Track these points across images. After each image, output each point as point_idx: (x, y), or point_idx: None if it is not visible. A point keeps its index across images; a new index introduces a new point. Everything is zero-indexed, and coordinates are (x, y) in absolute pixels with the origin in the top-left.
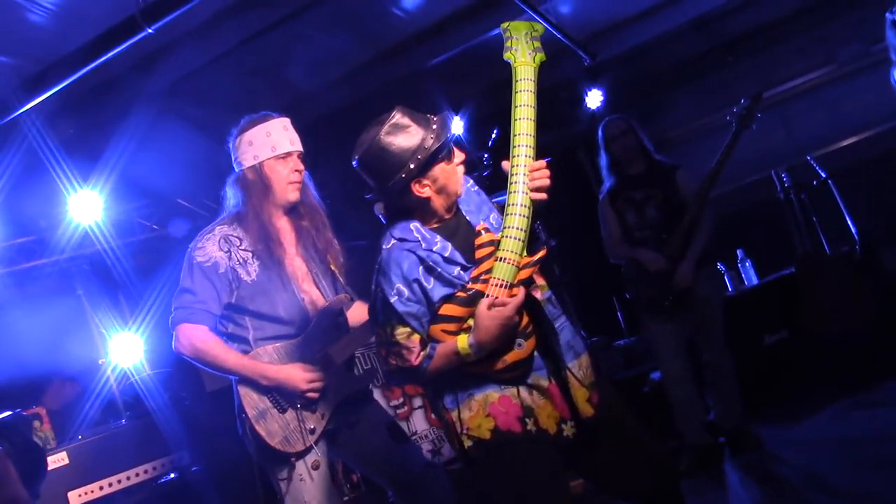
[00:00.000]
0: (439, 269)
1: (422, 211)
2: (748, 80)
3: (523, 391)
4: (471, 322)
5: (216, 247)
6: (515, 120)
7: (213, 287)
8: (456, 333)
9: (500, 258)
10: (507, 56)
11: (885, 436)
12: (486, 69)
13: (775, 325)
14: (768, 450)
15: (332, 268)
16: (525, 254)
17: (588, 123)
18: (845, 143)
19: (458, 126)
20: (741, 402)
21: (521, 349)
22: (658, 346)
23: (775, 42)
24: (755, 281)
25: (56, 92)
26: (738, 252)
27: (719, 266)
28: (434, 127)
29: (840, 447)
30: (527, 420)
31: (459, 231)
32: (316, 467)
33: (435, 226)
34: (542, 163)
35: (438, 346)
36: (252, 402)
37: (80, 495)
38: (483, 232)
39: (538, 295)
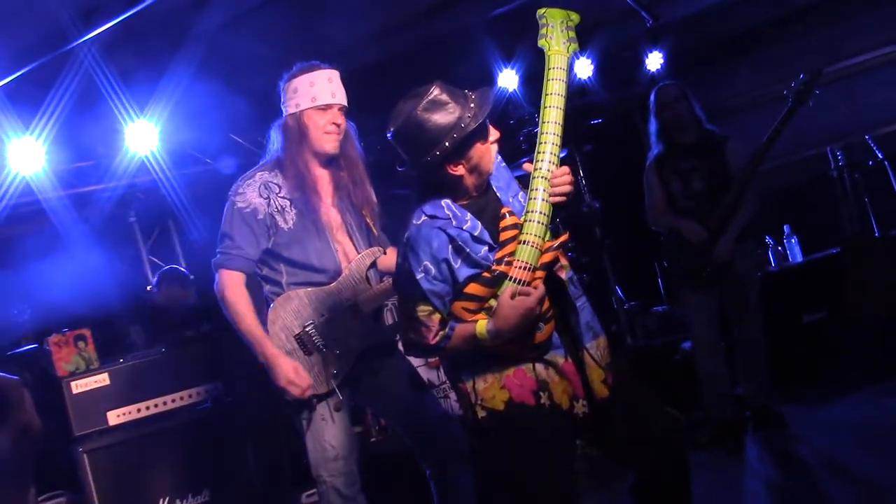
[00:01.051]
0: (468, 250)
1: (453, 188)
2: (815, 52)
3: (539, 366)
4: (492, 302)
5: (256, 193)
6: (545, 108)
7: (252, 233)
8: (476, 312)
9: (524, 241)
10: (541, 43)
11: None
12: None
13: (816, 304)
14: (792, 429)
15: (368, 220)
16: (548, 237)
17: (646, 86)
18: None
19: (512, 80)
20: (769, 379)
21: (541, 332)
22: (691, 316)
23: (847, 15)
24: (800, 258)
25: (112, 25)
26: (785, 228)
27: (767, 240)
28: (472, 105)
29: (865, 434)
30: (541, 394)
31: (488, 209)
32: (338, 409)
33: (465, 202)
34: (566, 168)
35: (457, 326)
36: (280, 342)
37: (118, 415)
38: (507, 215)
39: (562, 275)
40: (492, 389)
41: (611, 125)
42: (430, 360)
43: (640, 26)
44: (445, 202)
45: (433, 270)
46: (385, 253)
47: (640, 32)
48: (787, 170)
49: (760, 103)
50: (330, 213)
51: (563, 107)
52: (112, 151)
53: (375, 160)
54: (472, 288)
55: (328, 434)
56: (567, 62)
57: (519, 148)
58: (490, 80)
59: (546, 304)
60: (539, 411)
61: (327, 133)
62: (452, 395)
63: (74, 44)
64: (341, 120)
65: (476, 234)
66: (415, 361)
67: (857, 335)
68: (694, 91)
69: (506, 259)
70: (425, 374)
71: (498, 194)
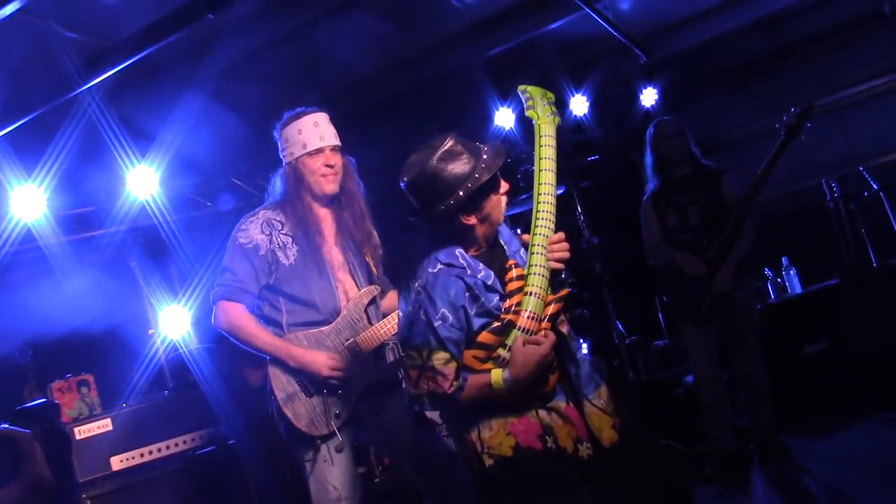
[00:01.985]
0: (482, 299)
1: (465, 238)
2: (809, 85)
3: (542, 412)
4: (500, 352)
5: (258, 229)
6: (540, 171)
7: (253, 267)
8: (484, 361)
9: (529, 292)
10: (529, 114)
11: None
12: (537, 63)
13: (816, 335)
14: (796, 461)
15: (368, 259)
16: (550, 291)
17: (641, 122)
18: None
19: (509, 118)
20: (772, 410)
21: (547, 384)
22: (692, 350)
23: (839, 47)
24: (799, 289)
25: (117, 71)
26: (784, 259)
27: (766, 272)
28: (485, 157)
29: (868, 465)
30: (547, 437)
31: (496, 261)
32: (340, 450)
33: (475, 253)
34: (562, 235)
35: (470, 376)
36: (281, 384)
37: (121, 460)
38: (513, 267)
39: (563, 329)
40: (498, 437)
41: (607, 161)
42: None
43: (634, 62)
44: (459, 251)
45: (451, 318)
46: (383, 291)
47: (633, 68)
48: (783, 202)
49: (755, 137)
50: (332, 251)
51: (555, 170)
52: (113, 196)
53: (377, 198)
54: (483, 337)
55: (331, 475)
56: (554, 131)
57: (517, 185)
58: (487, 118)
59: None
60: (547, 454)
61: (323, 176)
62: None
63: (77, 91)
64: (335, 160)
65: (489, 283)
66: None
67: (858, 365)
68: (688, 125)
69: (513, 309)
70: (429, 412)
71: (504, 247)
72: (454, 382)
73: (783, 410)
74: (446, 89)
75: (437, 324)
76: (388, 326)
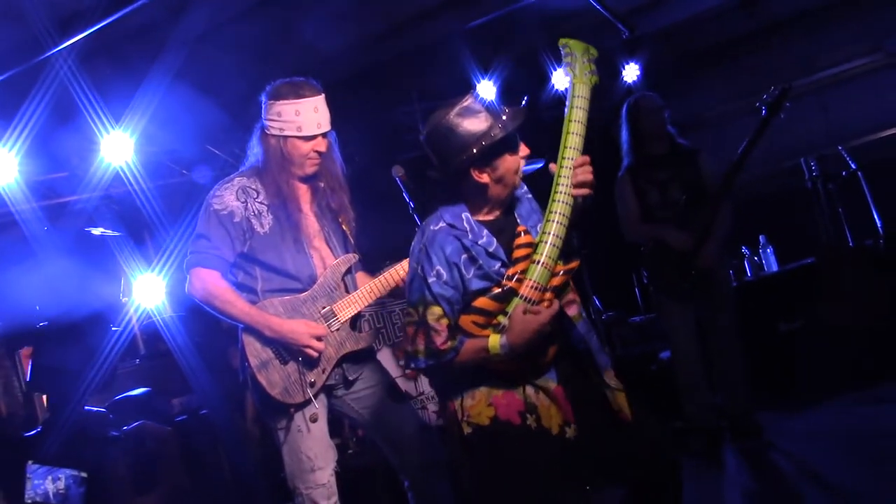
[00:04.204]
0: (481, 262)
1: (476, 197)
2: (789, 65)
3: (529, 389)
4: (500, 319)
5: (233, 196)
6: (568, 133)
7: (228, 234)
8: (484, 327)
9: (536, 261)
10: (567, 70)
11: (885, 433)
12: (519, 36)
13: (791, 313)
14: (769, 438)
15: (344, 228)
16: (560, 261)
17: (623, 98)
18: (882, 134)
19: (490, 91)
20: (747, 388)
21: (545, 355)
22: (672, 326)
23: (820, 28)
24: (775, 268)
25: (90, 33)
26: (761, 238)
27: (743, 250)
28: (504, 118)
29: (839, 441)
30: (528, 416)
31: (506, 230)
32: (314, 420)
33: (485, 219)
34: (586, 158)
35: (467, 339)
36: (255, 351)
37: None
38: (523, 233)
39: (573, 311)
40: (479, 406)
41: (587, 136)
42: (407, 371)
43: (616, 38)
44: (465, 215)
45: (444, 275)
46: (361, 260)
47: (616, 44)
48: (762, 181)
49: (735, 115)
50: (307, 220)
51: (583, 134)
52: (86, 163)
53: (354, 171)
54: (482, 302)
55: (305, 445)
56: (589, 92)
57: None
58: (469, 90)
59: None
60: (523, 431)
61: (310, 159)
62: (430, 407)
63: (50, 53)
64: (324, 146)
65: (491, 250)
66: (393, 372)
67: (832, 344)
68: (668, 102)
69: (517, 276)
70: (403, 384)
71: (518, 220)
72: (449, 341)
73: (757, 388)
74: (426, 61)
75: (431, 280)
76: (365, 295)
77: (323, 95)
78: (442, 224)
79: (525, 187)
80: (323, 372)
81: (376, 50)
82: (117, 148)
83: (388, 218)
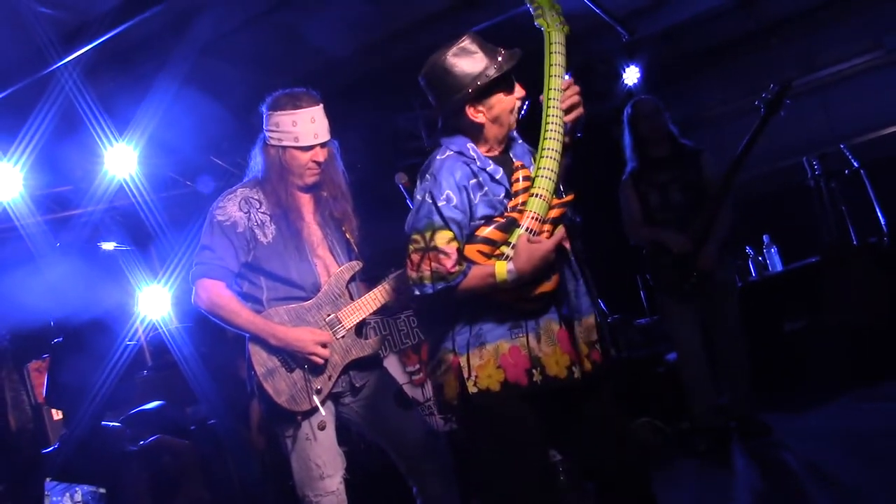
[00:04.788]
0: (487, 188)
1: (474, 136)
2: (790, 64)
3: (532, 340)
4: (504, 249)
5: (236, 207)
6: (550, 77)
7: (232, 245)
8: (489, 257)
9: (535, 194)
10: (538, 22)
11: (891, 431)
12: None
13: (796, 312)
14: (775, 437)
15: (348, 236)
16: (555, 195)
17: (623, 100)
18: (884, 132)
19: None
20: (752, 388)
21: (549, 282)
22: (675, 328)
23: (821, 25)
24: (779, 267)
25: (94, 47)
26: (764, 237)
27: (747, 250)
28: (499, 59)
29: (845, 439)
30: (533, 371)
31: (506, 166)
32: (322, 428)
33: (484, 153)
34: (570, 81)
35: (473, 266)
36: (261, 359)
37: None
38: (520, 168)
39: (567, 245)
40: (488, 368)
41: (588, 139)
42: (414, 378)
43: (617, 40)
44: (470, 145)
45: (455, 199)
46: (365, 268)
47: (616, 47)
48: (765, 180)
49: (736, 115)
50: (310, 228)
51: (563, 77)
52: (91, 175)
53: (357, 178)
54: (488, 232)
55: (313, 453)
56: (564, 39)
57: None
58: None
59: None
60: (531, 391)
61: (309, 169)
62: (438, 413)
63: (54, 66)
64: (323, 156)
65: (497, 177)
66: (399, 379)
67: (837, 343)
68: (670, 103)
69: (518, 208)
70: (410, 391)
71: (513, 160)
72: (457, 264)
73: (763, 387)
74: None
75: (441, 203)
76: (369, 302)
77: (321, 106)
78: (449, 152)
79: (519, 139)
80: (329, 379)
81: (378, 57)
82: (121, 160)
83: (391, 225)
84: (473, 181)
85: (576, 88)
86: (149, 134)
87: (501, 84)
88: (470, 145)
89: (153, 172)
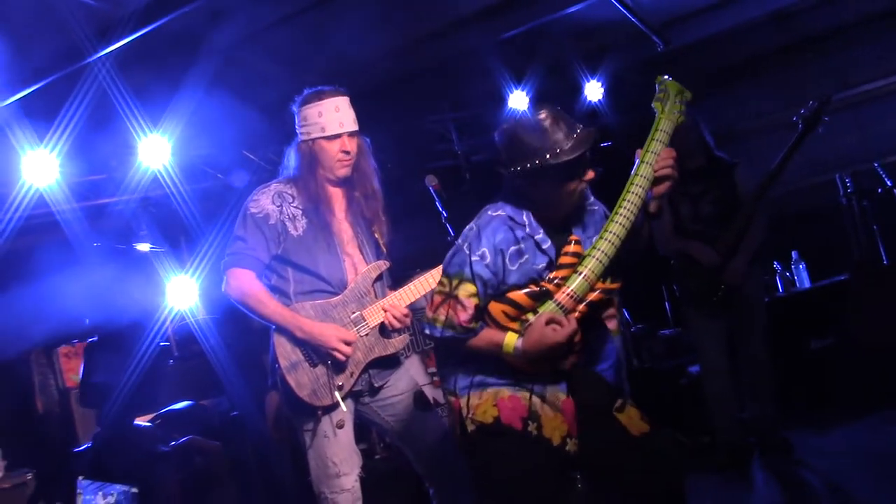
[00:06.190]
0: (528, 256)
1: (529, 201)
2: (823, 80)
3: (535, 399)
4: (529, 316)
5: (269, 200)
6: (642, 162)
7: (263, 236)
8: (512, 319)
9: (579, 272)
10: (655, 105)
11: None
12: (552, 47)
13: (823, 330)
14: (797, 455)
15: (377, 236)
16: (602, 279)
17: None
18: None
19: (522, 101)
20: (776, 404)
21: (563, 364)
22: (701, 341)
23: (857, 42)
24: (807, 284)
25: (129, 42)
26: (793, 253)
27: (775, 265)
28: (569, 144)
29: (867, 460)
30: (529, 423)
31: (558, 237)
32: (341, 426)
33: (541, 220)
34: (671, 151)
35: (486, 328)
36: (285, 352)
37: None
38: (573, 242)
39: (612, 325)
40: (484, 406)
41: (621, 148)
42: (435, 379)
43: (651, 50)
44: (527, 213)
45: (489, 258)
46: (390, 266)
47: (650, 57)
48: (796, 196)
49: (768, 129)
50: (341, 225)
51: (654, 164)
52: (125, 165)
53: (387, 177)
54: (517, 295)
55: (330, 451)
56: (672, 129)
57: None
58: (501, 100)
59: (578, 337)
60: (523, 438)
61: (339, 160)
62: None
63: (89, 59)
64: (351, 146)
65: (544, 247)
66: (420, 380)
67: (864, 362)
68: (703, 115)
69: (557, 280)
70: (430, 392)
71: (573, 230)
72: (472, 321)
73: (787, 404)
74: (458, 71)
75: (474, 258)
76: (395, 302)
77: (346, 97)
78: (501, 213)
79: (591, 197)
80: (351, 376)
81: (409, 59)
82: (155, 151)
83: (418, 226)
84: (514, 248)
85: (671, 162)
86: (182, 126)
87: (561, 170)
88: (527, 213)
89: (186, 164)
